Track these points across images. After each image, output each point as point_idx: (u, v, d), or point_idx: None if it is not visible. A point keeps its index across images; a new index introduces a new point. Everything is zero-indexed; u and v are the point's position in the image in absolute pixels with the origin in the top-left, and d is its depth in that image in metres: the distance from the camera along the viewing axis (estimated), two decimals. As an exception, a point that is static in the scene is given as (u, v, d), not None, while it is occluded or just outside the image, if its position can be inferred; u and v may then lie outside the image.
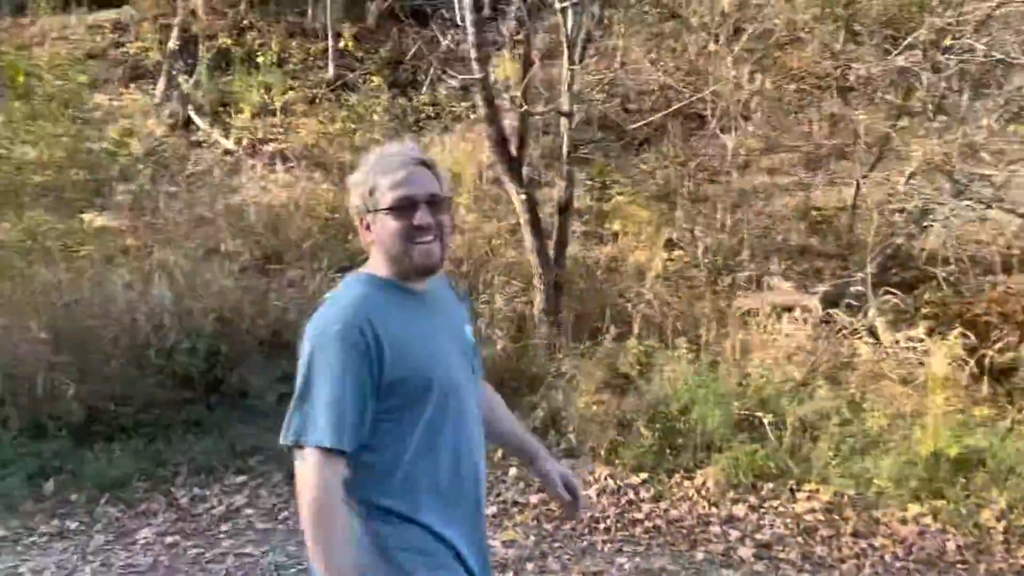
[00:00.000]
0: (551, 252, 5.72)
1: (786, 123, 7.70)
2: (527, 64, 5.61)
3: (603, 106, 9.44)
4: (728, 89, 7.30)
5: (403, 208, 1.75)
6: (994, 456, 4.55)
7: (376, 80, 10.37)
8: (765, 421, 4.97)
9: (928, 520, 4.35)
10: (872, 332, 5.63)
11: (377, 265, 1.82)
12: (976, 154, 5.64)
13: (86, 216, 7.65)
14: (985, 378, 5.44)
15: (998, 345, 5.66)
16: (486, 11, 7.82)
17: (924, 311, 5.92)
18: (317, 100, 10.21)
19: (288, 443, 1.70)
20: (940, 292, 6.26)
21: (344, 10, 11.44)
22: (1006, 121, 6.33)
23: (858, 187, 6.12)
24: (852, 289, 5.90)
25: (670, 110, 7.62)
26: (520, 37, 11.49)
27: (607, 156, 8.99)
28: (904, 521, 4.35)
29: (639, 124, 7.86)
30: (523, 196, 5.49)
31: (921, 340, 5.33)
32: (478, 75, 5.21)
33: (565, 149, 5.63)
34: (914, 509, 4.43)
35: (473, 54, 5.21)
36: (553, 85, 9.97)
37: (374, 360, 1.67)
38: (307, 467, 1.66)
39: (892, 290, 5.73)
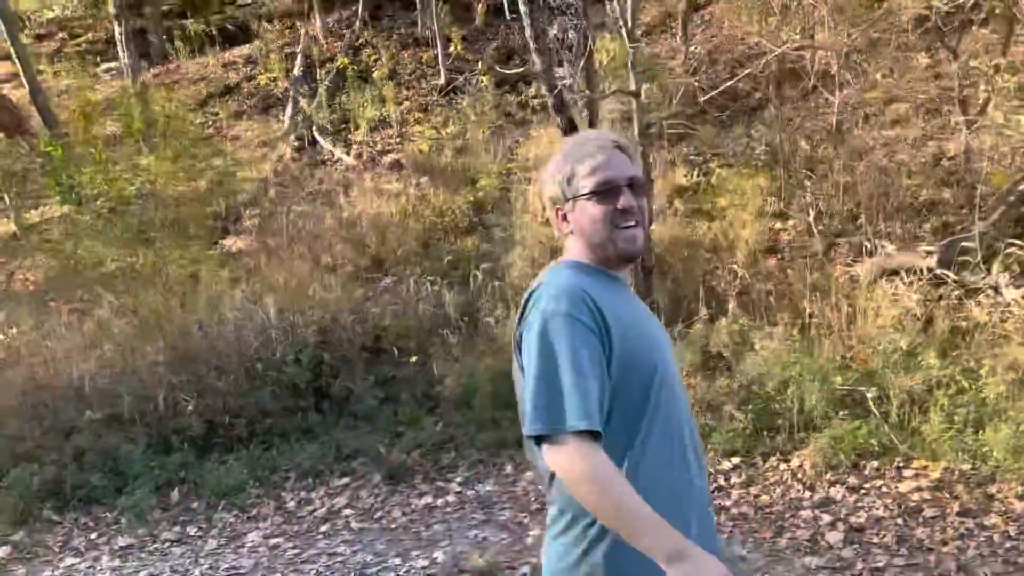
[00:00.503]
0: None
1: (900, 69, 7.10)
2: (586, 50, 5.51)
3: (704, 78, 9.09)
4: (831, 41, 6.84)
5: (605, 192, 1.69)
6: None
7: (484, 80, 10.55)
8: (868, 396, 4.66)
9: (1053, 495, 3.92)
10: (996, 290, 5.11)
11: (577, 254, 1.74)
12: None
13: (225, 241, 8.37)
14: None
15: None
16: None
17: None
18: (429, 107, 10.54)
19: (537, 433, 1.54)
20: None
21: (453, 15, 11.74)
22: None
23: (968, 128, 5.53)
24: (970, 244, 5.36)
25: (768, 71, 7.22)
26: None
27: (715, 127, 8.68)
28: (1021, 496, 3.94)
29: (741, 91, 7.49)
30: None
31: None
32: (539, 67, 5.19)
33: (636, 128, 5.49)
34: (1037, 482, 4.01)
35: (532, 45, 5.20)
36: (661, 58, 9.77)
37: (604, 338, 1.59)
38: (570, 455, 1.51)
39: (1016, 242, 5.16)
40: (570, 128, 5.50)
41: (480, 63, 10.98)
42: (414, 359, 5.47)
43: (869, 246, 6.07)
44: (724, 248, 6.77)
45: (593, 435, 1.52)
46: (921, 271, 5.32)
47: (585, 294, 1.60)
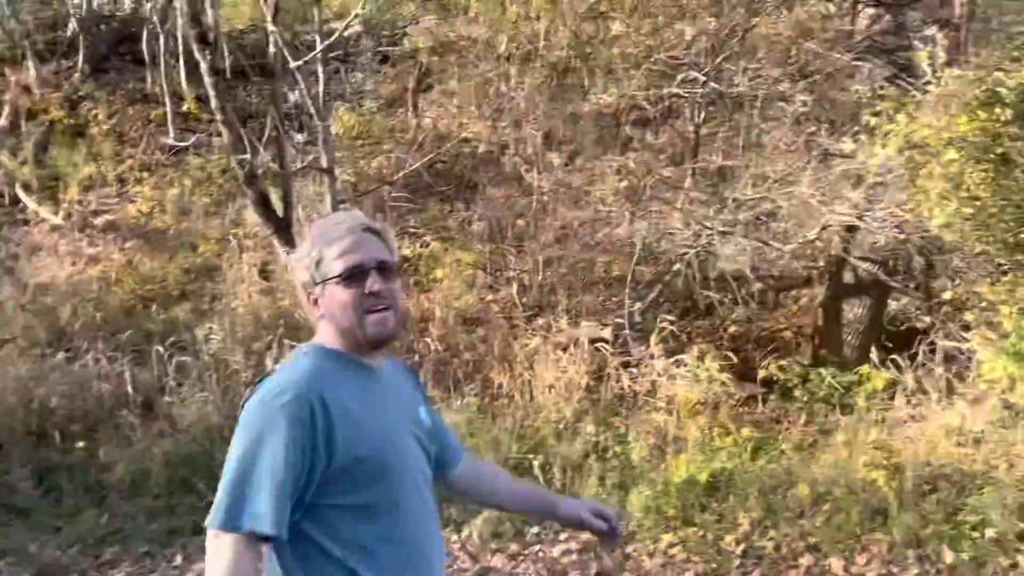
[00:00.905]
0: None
1: (595, 156, 7.79)
2: (276, 124, 5.57)
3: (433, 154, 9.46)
4: (528, 128, 7.41)
5: (353, 276, 1.67)
6: (743, 476, 4.59)
7: (217, 141, 10.26)
8: (535, 463, 4.96)
9: (676, 550, 4.37)
10: (650, 361, 5.69)
11: (328, 339, 1.72)
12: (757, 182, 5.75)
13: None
14: (759, 396, 5.57)
15: (782, 361, 5.80)
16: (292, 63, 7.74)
17: (706, 334, 6.04)
18: (154, 167, 10.08)
19: (216, 527, 1.50)
20: (733, 313, 6.40)
21: (188, 72, 11.36)
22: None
23: (632, 218, 6.19)
24: (635, 318, 5.96)
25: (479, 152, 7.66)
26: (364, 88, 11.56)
27: (441, 201, 9.04)
28: (652, 554, 4.36)
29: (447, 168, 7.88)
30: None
31: (695, 364, 5.40)
32: (227, 139, 5.16)
33: (329, 204, 5.60)
34: (666, 539, 4.44)
35: (218, 116, 5.17)
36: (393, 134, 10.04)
37: (324, 439, 1.54)
38: (224, 552, 1.49)
39: (668, 317, 5.80)
40: (262, 203, 5.49)
41: (214, 124, 10.69)
42: (81, 444, 5.10)
43: (560, 319, 6.55)
44: (435, 319, 7.01)
45: (262, 537, 1.51)
46: (597, 341, 5.81)
47: (312, 387, 1.58)
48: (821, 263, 6.42)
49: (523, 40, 6.35)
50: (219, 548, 1.50)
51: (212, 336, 5.85)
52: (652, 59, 5.51)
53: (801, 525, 4.29)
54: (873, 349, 5.49)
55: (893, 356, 5.60)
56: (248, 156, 5.01)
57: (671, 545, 4.40)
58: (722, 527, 4.43)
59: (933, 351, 5.39)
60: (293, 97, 10.96)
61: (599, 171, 6.34)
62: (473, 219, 8.14)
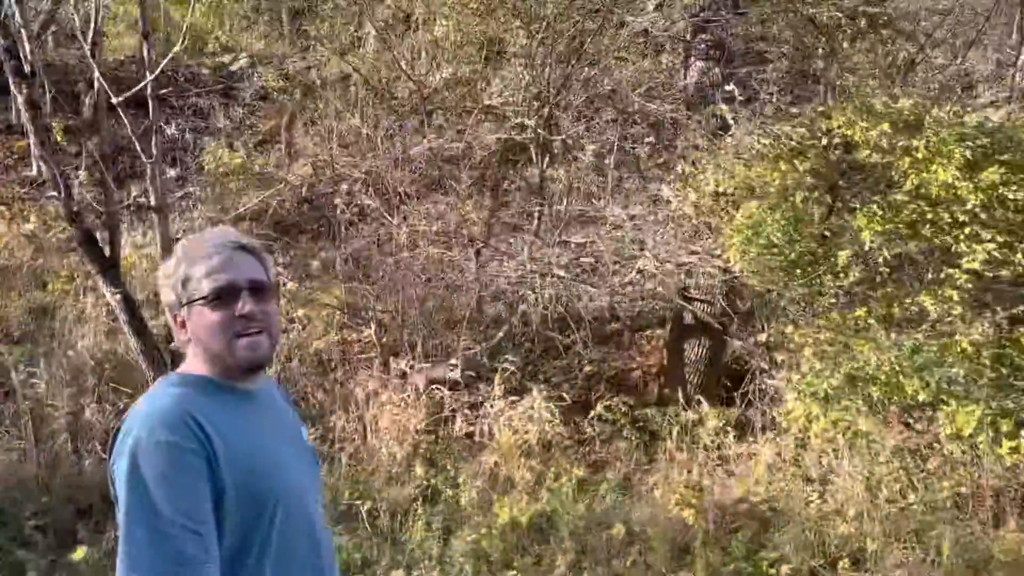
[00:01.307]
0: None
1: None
2: (104, 160, 5.43)
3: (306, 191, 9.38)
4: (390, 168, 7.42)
5: (222, 297, 1.55)
6: (563, 518, 4.64)
7: (83, 175, 9.94)
8: (363, 509, 4.90)
9: (494, 595, 4.36)
10: (491, 402, 5.72)
11: (196, 365, 1.60)
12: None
13: None
14: (596, 437, 5.65)
15: (626, 399, 5.91)
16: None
17: (562, 374, 6.13)
18: (13, 201, 9.68)
19: None
20: (589, 353, 6.51)
21: (55, 103, 10.99)
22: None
23: (478, 255, 6.26)
24: (482, 360, 6.00)
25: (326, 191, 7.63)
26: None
27: (314, 240, 8.97)
28: (468, 600, 4.34)
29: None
30: (118, 297, 5.27)
31: (530, 407, 5.46)
32: (45, 175, 4.99)
33: (159, 244, 5.48)
34: (485, 585, 4.44)
35: (36, 152, 5.01)
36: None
37: (213, 462, 1.43)
38: None
39: (510, 358, 5.86)
40: (88, 241, 5.31)
41: (82, 156, 10.37)
42: None
43: (418, 360, 6.52)
44: (290, 361, 6.89)
45: None
46: (438, 383, 5.81)
47: (188, 415, 1.46)
48: (664, 304, 6.60)
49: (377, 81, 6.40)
50: None
51: (35, 380, 5.59)
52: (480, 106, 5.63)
53: (613, 566, 4.34)
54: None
55: (732, 395, 5.82)
56: (57, 195, 4.84)
57: (489, 590, 4.40)
58: (539, 569, 4.46)
59: (764, 391, 5.60)
60: (169, 131, 10.83)
61: (445, 213, 6.39)
62: (336, 259, 8.08)
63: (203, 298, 1.57)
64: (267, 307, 1.61)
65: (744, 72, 5.77)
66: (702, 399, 5.71)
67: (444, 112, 6.17)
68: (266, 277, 1.64)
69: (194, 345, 1.61)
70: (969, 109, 4.57)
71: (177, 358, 1.76)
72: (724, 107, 4.69)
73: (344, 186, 7.96)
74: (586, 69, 5.50)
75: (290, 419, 1.80)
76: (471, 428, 5.37)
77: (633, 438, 5.35)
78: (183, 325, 1.61)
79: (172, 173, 10.23)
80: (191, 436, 1.44)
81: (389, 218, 6.70)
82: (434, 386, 5.66)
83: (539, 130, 5.51)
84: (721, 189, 4.52)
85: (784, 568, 4.07)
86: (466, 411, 5.53)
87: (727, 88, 4.69)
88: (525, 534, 4.63)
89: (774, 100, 4.97)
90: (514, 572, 4.47)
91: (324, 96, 7.69)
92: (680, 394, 6.26)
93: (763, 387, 5.64)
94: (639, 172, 5.90)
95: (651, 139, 5.76)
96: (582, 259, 5.62)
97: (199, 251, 1.62)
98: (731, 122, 4.58)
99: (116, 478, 1.47)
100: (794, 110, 4.53)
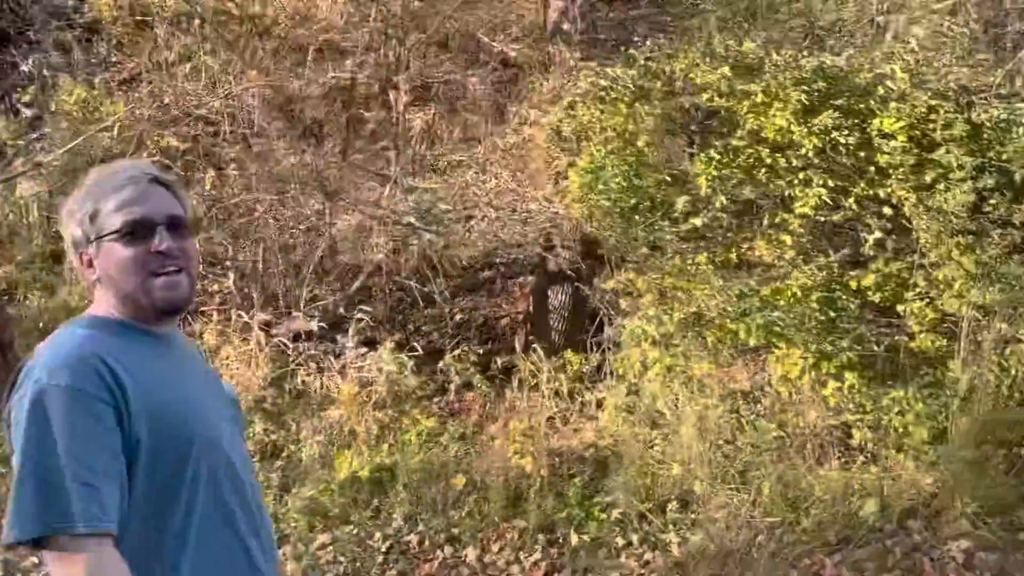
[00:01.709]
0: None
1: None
2: None
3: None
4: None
5: (136, 232, 1.42)
6: (404, 470, 4.55)
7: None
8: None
9: (326, 551, 4.25)
10: (340, 354, 5.57)
11: (105, 308, 1.46)
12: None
13: None
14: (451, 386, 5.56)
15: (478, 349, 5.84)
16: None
17: (430, 323, 6.00)
18: None
19: (27, 536, 1.26)
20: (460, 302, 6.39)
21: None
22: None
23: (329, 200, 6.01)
24: (338, 310, 5.82)
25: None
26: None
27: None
28: (299, 557, 4.22)
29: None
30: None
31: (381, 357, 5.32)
32: None
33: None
34: (320, 540, 4.32)
35: None
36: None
37: (124, 410, 1.32)
38: (75, 564, 1.25)
39: (364, 308, 5.69)
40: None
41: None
42: None
43: (268, 314, 6.28)
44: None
45: (104, 535, 1.27)
46: (277, 335, 5.60)
47: (97, 359, 1.33)
48: (533, 252, 6.53)
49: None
50: (69, 563, 1.26)
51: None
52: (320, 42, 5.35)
53: (449, 516, 4.29)
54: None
55: (596, 340, 5.80)
56: None
57: (322, 546, 4.28)
58: (376, 524, 4.37)
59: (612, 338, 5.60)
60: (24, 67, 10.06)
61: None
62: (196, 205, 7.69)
63: (115, 232, 1.44)
64: (185, 244, 1.50)
65: (607, 14, 5.64)
66: (565, 345, 5.69)
67: (282, 49, 5.85)
68: (184, 213, 1.53)
69: (103, 285, 1.48)
70: (806, 53, 4.56)
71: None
72: (564, 47, 4.56)
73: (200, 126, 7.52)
74: (438, 6, 5.28)
75: (207, 368, 1.73)
76: (318, 382, 5.20)
77: (483, 387, 5.27)
78: (90, 264, 1.49)
79: (28, 113, 9.58)
80: (99, 383, 1.33)
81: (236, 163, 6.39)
82: (278, 338, 5.45)
83: (387, 70, 5.28)
84: (563, 133, 4.41)
85: (614, 512, 4.09)
86: (312, 364, 5.35)
87: (564, 28, 4.55)
88: (364, 488, 4.53)
89: (615, 41, 4.87)
90: (351, 527, 4.38)
91: (156, 30, 7.23)
92: (547, 340, 6.24)
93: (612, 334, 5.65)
94: (491, 116, 5.75)
95: (505, 80, 5.60)
96: (440, 205, 5.45)
97: (109, 182, 1.49)
98: (571, 62, 4.46)
99: (12, 426, 1.35)
100: (633, 52, 4.42)
